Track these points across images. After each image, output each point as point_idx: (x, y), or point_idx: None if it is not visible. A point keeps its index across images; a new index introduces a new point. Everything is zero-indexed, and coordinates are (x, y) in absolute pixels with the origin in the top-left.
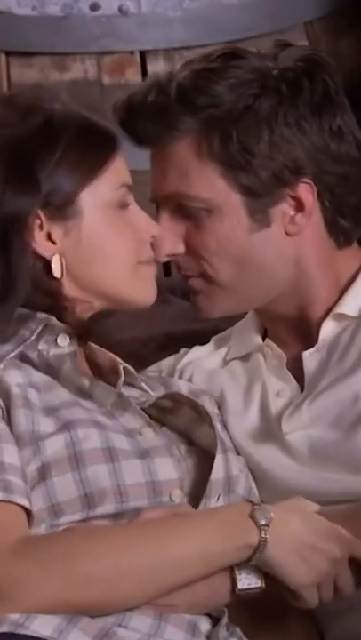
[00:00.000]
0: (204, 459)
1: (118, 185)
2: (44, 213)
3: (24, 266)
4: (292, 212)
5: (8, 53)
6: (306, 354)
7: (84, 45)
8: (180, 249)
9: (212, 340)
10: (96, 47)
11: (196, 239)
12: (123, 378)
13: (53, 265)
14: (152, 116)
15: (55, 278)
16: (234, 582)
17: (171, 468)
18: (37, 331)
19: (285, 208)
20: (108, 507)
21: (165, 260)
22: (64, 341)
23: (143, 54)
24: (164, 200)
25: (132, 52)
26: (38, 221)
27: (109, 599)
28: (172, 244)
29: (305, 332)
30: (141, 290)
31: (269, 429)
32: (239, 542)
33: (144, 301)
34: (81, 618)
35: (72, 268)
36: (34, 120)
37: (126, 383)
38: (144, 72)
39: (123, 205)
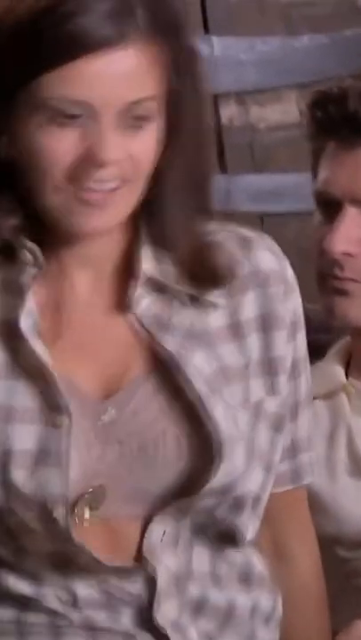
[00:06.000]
0: None
1: (60, 95)
2: None
3: None
4: None
5: None
6: None
7: None
8: (356, 250)
9: None
10: None
11: None
12: None
13: None
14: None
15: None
16: None
17: None
18: None
19: None
20: None
21: (337, 257)
22: None
23: (215, 97)
24: (356, 200)
25: None
26: None
27: None
28: (348, 244)
29: None
30: (71, 213)
31: (358, 469)
32: None
33: (76, 227)
34: None
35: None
36: None
37: None
38: (216, 115)
39: (60, 119)
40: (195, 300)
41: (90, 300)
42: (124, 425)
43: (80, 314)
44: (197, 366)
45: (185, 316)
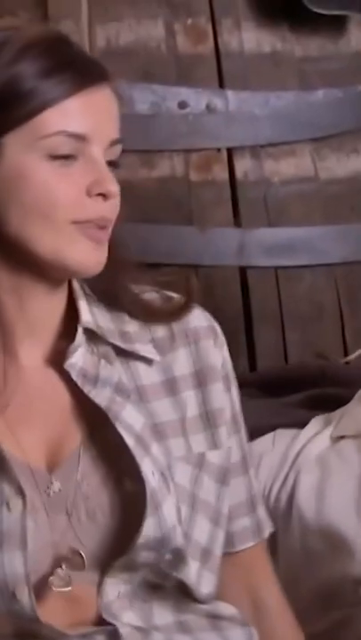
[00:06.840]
0: None
1: (52, 132)
2: None
3: None
4: None
5: None
6: None
7: (171, 143)
8: None
9: (314, 420)
10: (183, 144)
11: None
12: None
13: None
14: None
15: None
16: None
17: None
18: None
19: None
20: None
21: None
22: None
23: (230, 151)
24: None
25: (218, 150)
26: None
27: None
28: None
29: None
30: (74, 251)
31: None
32: None
33: (80, 265)
34: None
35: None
36: None
37: None
38: (231, 169)
39: (57, 156)
40: (127, 356)
41: (34, 365)
42: (70, 495)
43: (25, 380)
44: (127, 420)
45: (114, 372)
